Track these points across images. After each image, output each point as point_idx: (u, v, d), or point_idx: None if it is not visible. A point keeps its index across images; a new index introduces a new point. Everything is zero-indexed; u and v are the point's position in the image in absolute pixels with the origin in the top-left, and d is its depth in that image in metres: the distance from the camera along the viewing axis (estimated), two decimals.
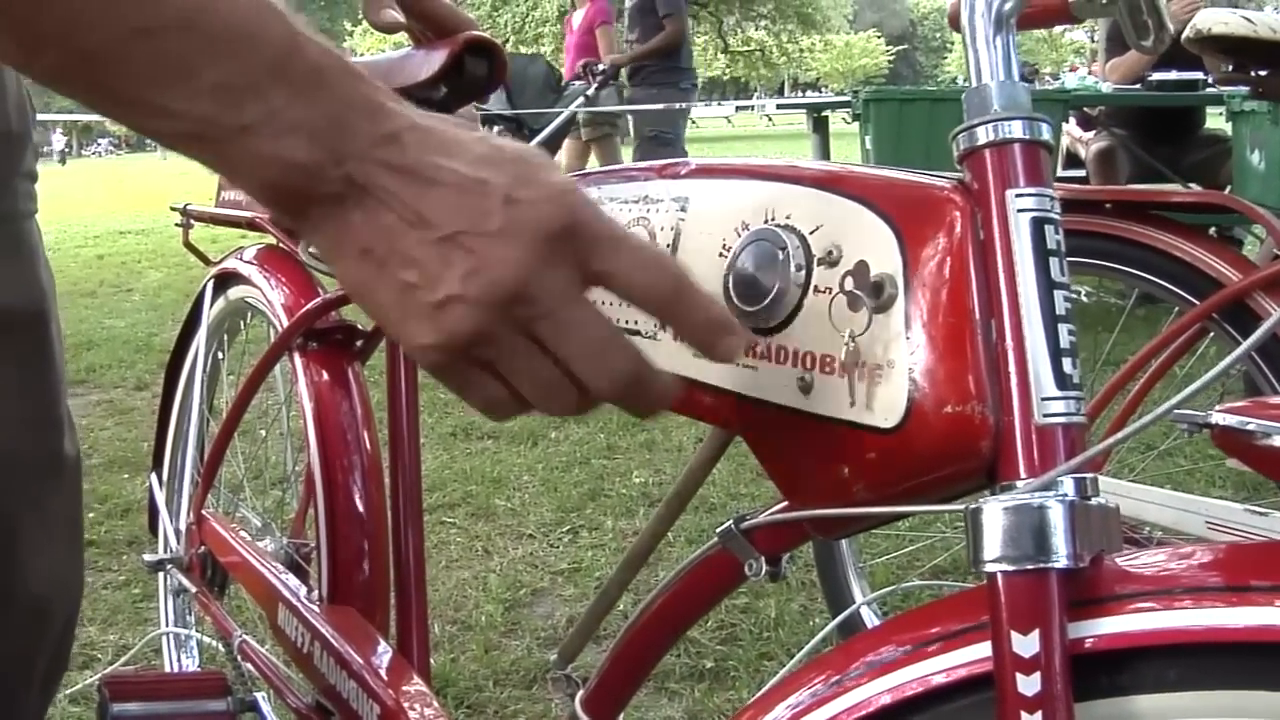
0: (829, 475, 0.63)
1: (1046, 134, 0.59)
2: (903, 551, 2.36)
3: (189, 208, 1.74)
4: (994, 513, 0.54)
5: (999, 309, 0.57)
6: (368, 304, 0.56)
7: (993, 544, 0.54)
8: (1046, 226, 0.58)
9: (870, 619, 1.86)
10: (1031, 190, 0.58)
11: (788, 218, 0.66)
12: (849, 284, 0.61)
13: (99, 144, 56.17)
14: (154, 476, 1.88)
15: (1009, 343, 0.57)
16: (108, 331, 5.69)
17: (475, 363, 0.56)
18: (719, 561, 0.75)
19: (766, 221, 0.67)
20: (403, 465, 1.18)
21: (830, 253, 0.63)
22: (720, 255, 0.69)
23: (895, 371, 0.59)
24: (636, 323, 0.75)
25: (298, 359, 1.35)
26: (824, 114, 6.08)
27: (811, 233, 0.65)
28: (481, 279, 0.52)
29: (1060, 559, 0.53)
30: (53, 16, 0.48)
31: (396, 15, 1.09)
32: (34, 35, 0.49)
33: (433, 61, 1.10)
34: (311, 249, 1.29)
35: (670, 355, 0.71)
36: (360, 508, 1.28)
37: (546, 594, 2.45)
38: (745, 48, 41.66)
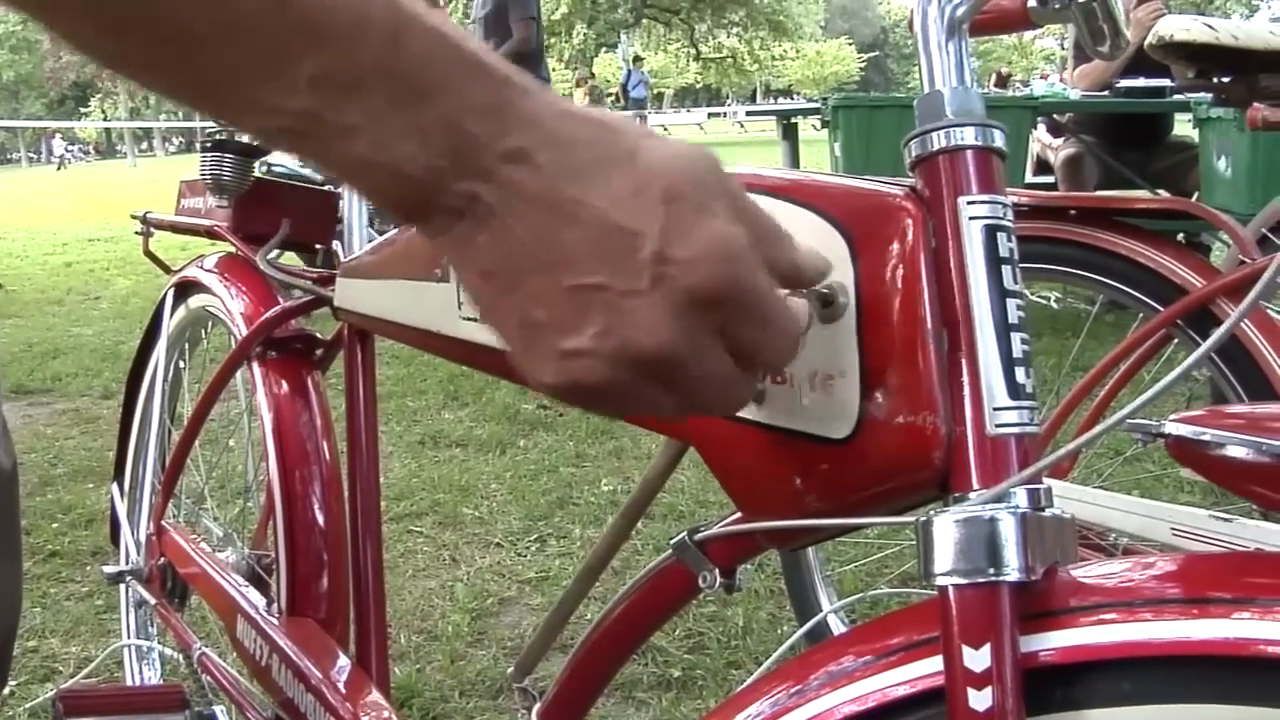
0: (782, 486, 0.62)
1: (999, 141, 0.59)
2: (871, 559, 2.36)
3: (149, 215, 1.72)
4: (945, 525, 0.53)
5: (952, 317, 0.56)
6: (489, 322, 0.50)
7: (944, 557, 0.53)
8: (999, 234, 0.57)
9: (838, 627, 1.86)
10: (984, 197, 0.57)
11: None
12: (800, 293, 0.60)
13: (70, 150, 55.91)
14: (115, 487, 1.86)
15: (962, 352, 0.56)
16: (75, 340, 5.65)
17: (596, 401, 0.51)
18: (673, 574, 0.74)
19: None
20: (361, 475, 1.17)
21: None
22: None
23: (847, 381, 0.58)
24: None
25: (257, 368, 1.34)
26: (794, 121, 6.08)
27: None
28: (617, 340, 0.47)
29: (1012, 571, 0.52)
30: (137, 9, 0.42)
31: None
32: (113, 18, 0.43)
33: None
34: (270, 257, 1.28)
35: None
36: (319, 519, 1.27)
37: (514, 603, 2.43)
38: (717, 55, 41.75)
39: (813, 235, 0.61)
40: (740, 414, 0.64)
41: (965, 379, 0.56)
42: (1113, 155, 4.81)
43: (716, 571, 0.71)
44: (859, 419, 0.58)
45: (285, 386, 1.32)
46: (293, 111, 0.45)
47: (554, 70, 38.62)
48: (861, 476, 0.59)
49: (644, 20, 39.88)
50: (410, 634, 2.28)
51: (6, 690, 2.15)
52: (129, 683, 1.85)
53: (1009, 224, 0.58)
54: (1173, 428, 1.07)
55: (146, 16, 0.43)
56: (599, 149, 0.47)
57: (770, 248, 0.51)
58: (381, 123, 0.45)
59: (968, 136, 0.58)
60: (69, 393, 4.60)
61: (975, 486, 0.55)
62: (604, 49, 38.45)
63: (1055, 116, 5.10)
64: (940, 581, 0.53)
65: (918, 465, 0.57)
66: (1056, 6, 0.69)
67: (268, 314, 1.30)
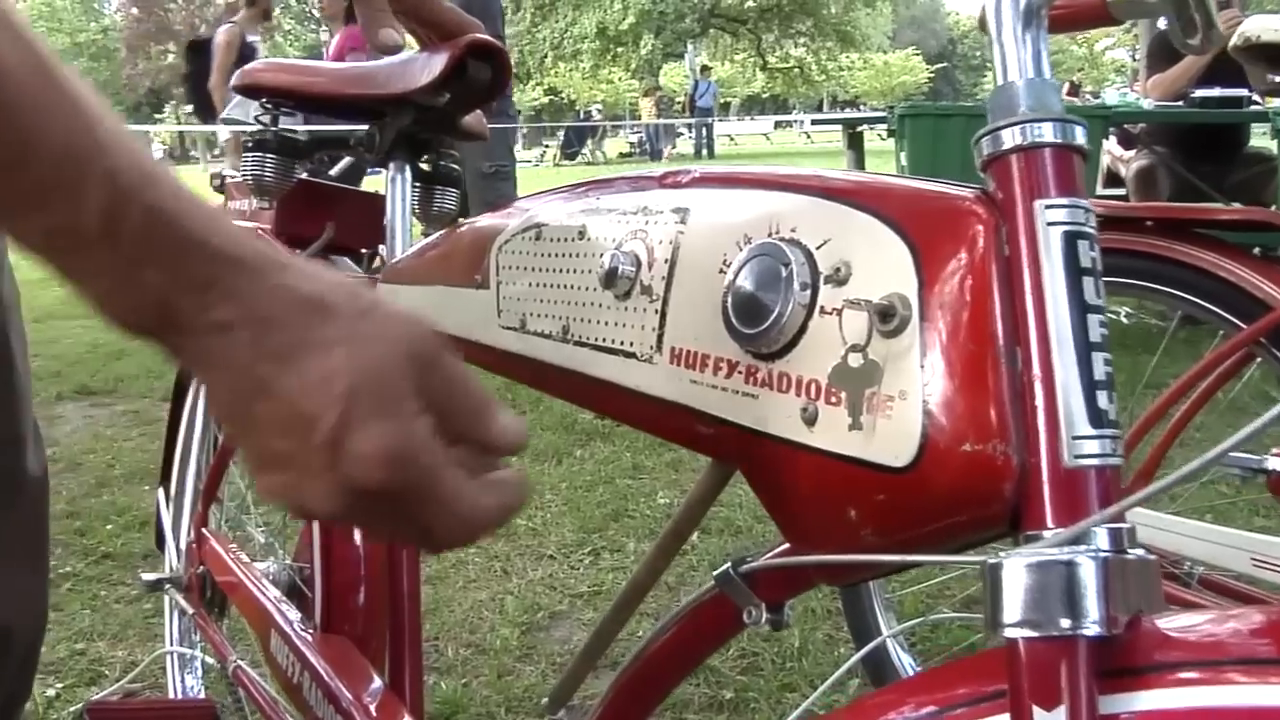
0: (834, 517, 0.56)
1: (1080, 138, 0.53)
2: (933, 581, 2.28)
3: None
4: (1015, 569, 0.47)
5: (1025, 335, 0.51)
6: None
7: (1013, 605, 0.47)
8: (1080, 242, 0.51)
9: (897, 652, 1.79)
10: (1064, 201, 0.51)
11: (793, 231, 0.60)
12: (858, 305, 0.54)
13: None
14: (161, 492, 1.84)
15: (1036, 373, 0.50)
16: (140, 342, 5.68)
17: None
18: (716, 607, 0.68)
19: (770, 235, 0.61)
20: None
21: (838, 270, 0.57)
22: (720, 272, 0.63)
23: (908, 404, 0.52)
24: (631, 344, 0.69)
25: None
26: (859, 130, 6.00)
27: (818, 247, 0.58)
28: (298, 498, 0.52)
29: (1091, 624, 0.46)
30: None
31: (396, 35, 1.04)
32: None
33: (434, 66, 1.05)
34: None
35: (666, 379, 0.65)
36: (358, 532, 1.23)
37: (564, 617, 2.38)
38: (784, 65, 41.60)
39: (873, 242, 0.56)
40: (790, 436, 0.58)
41: (1040, 403, 0.50)
42: (1186, 167, 4.69)
43: (763, 606, 0.65)
44: (920, 446, 0.52)
45: None
46: (36, 246, 0.49)
47: (620, 80, 38.69)
48: (922, 509, 0.53)
49: (711, 30, 39.84)
50: (458, 647, 2.23)
51: (52, 693, 2.15)
52: (170, 690, 1.82)
53: (1091, 230, 0.52)
54: (1276, 463, 0.99)
55: None
56: (299, 333, 0.51)
57: (467, 425, 0.55)
58: (101, 279, 0.49)
59: (1046, 133, 0.52)
60: (130, 394, 4.62)
61: (1050, 525, 0.49)
62: (671, 59, 38.44)
63: (1127, 128, 4.99)
64: (1010, 633, 0.47)
65: (985, 499, 0.51)
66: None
67: None
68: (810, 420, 0.57)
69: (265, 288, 0.51)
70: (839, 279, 0.57)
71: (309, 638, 1.16)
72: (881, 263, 0.55)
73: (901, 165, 4.44)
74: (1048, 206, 0.51)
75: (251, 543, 1.63)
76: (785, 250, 0.59)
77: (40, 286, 6.87)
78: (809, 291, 0.58)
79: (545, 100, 40.03)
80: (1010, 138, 0.53)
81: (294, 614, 1.23)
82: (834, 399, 0.55)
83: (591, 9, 36.23)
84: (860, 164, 5.70)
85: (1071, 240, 0.51)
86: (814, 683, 2.03)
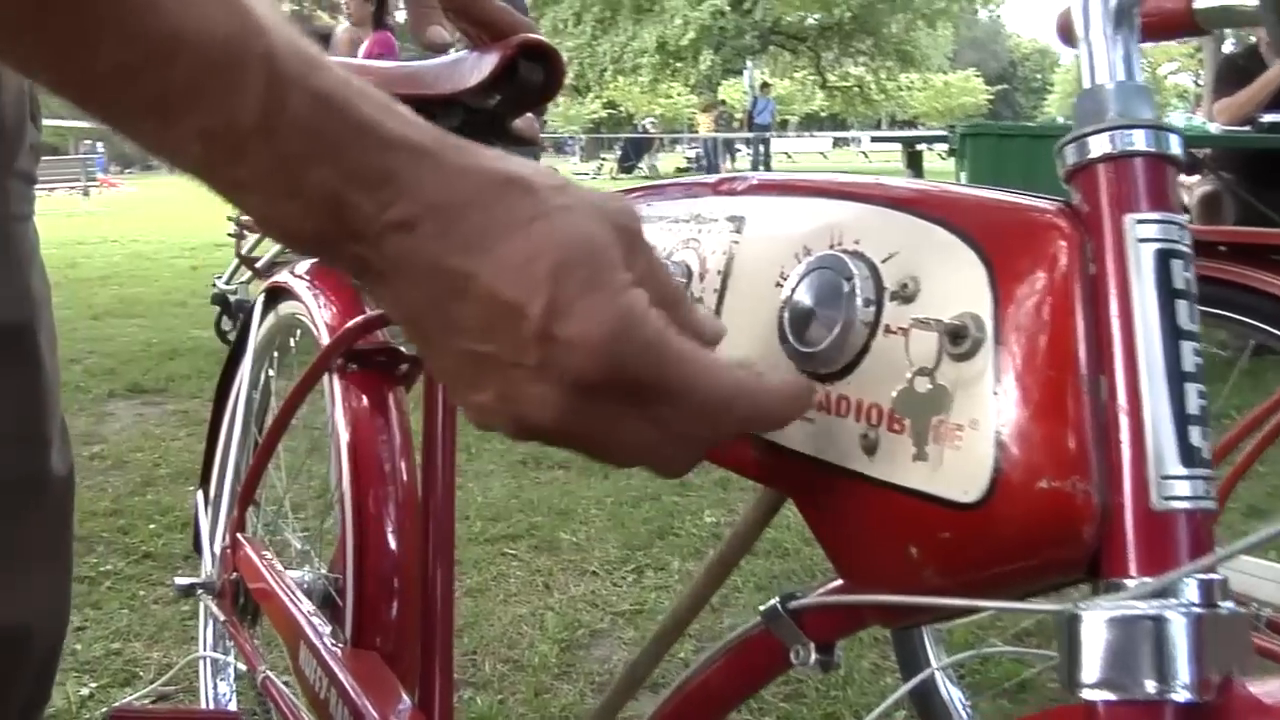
0: (893, 554, 0.52)
1: (1176, 147, 0.48)
2: (984, 612, 2.22)
3: (242, 218, 1.67)
4: (1096, 623, 0.43)
5: (1111, 362, 0.46)
6: (421, 357, 0.50)
7: (1093, 663, 0.43)
8: (1174, 261, 0.46)
9: (946, 685, 1.73)
10: (1156, 215, 0.47)
11: (856, 242, 0.56)
12: (926, 324, 0.50)
13: None
14: (200, 495, 1.82)
15: (1122, 404, 0.45)
16: (193, 342, 5.72)
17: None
18: (760, 645, 0.64)
19: (831, 246, 0.57)
20: (436, 502, 1.09)
21: (905, 285, 0.52)
22: (777, 285, 0.59)
23: (979, 434, 0.48)
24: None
25: (336, 381, 1.26)
26: (919, 149, 5.94)
27: (884, 261, 0.54)
28: (514, 409, 0.47)
29: (1181, 689, 0.41)
30: (24, 56, 0.43)
31: (445, 33, 1.00)
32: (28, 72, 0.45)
33: (484, 66, 1.01)
34: None
35: None
36: (392, 544, 1.19)
37: (605, 636, 2.34)
38: (844, 83, 41.45)
39: (944, 257, 0.51)
40: (848, 465, 0.53)
41: (1126, 438, 0.45)
42: (1252, 194, 4.59)
43: (811, 646, 0.61)
44: (991, 480, 0.47)
45: (365, 401, 1.25)
46: (190, 157, 0.44)
47: (679, 95, 38.70)
48: (991, 550, 0.48)
49: (771, 47, 39.78)
50: (495, 662, 2.20)
51: (85, 692, 2.13)
52: (202, 697, 1.79)
53: (1187, 249, 0.47)
54: None
55: (51, 75, 0.44)
56: (490, 215, 0.46)
57: (670, 314, 0.48)
58: (267, 184, 0.44)
59: (1137, 141, 0.48)
60: (181, 394, 4.63)
61: (1134, 573, 0.44)
62: (730, 75, 38.38)
63: (1192, 152, 4.89)
64: (1089, 695, 0.42)
65: (1062, 541, 0.46)
66: (1234, 7, 0.59)
67: (349, 324, 1.23)
68: (871, 448, 0.52)
69: (447, 173, 0.46)
70: (906, 296, 0.52)
71: (338, 652, 1.12)
72: (953, 279, 0.51)
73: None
74: (1139, 221, 0.47)
75: (289, 550, 1.60)
76: (848, 263, 0.54)
77: (99, 284, 6.97)
78: (873, 308, 0.53)
79: (604, 114, 40.12)
80: (1098, 145, 0.48)
81: (324, 626, 1.20)
82: (897, 426, 0.51)
83: (652, 24, 36.27)
84: None
85: (1164, 259, 0.46)
86: (859, 713, 1.97)
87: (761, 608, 0.62)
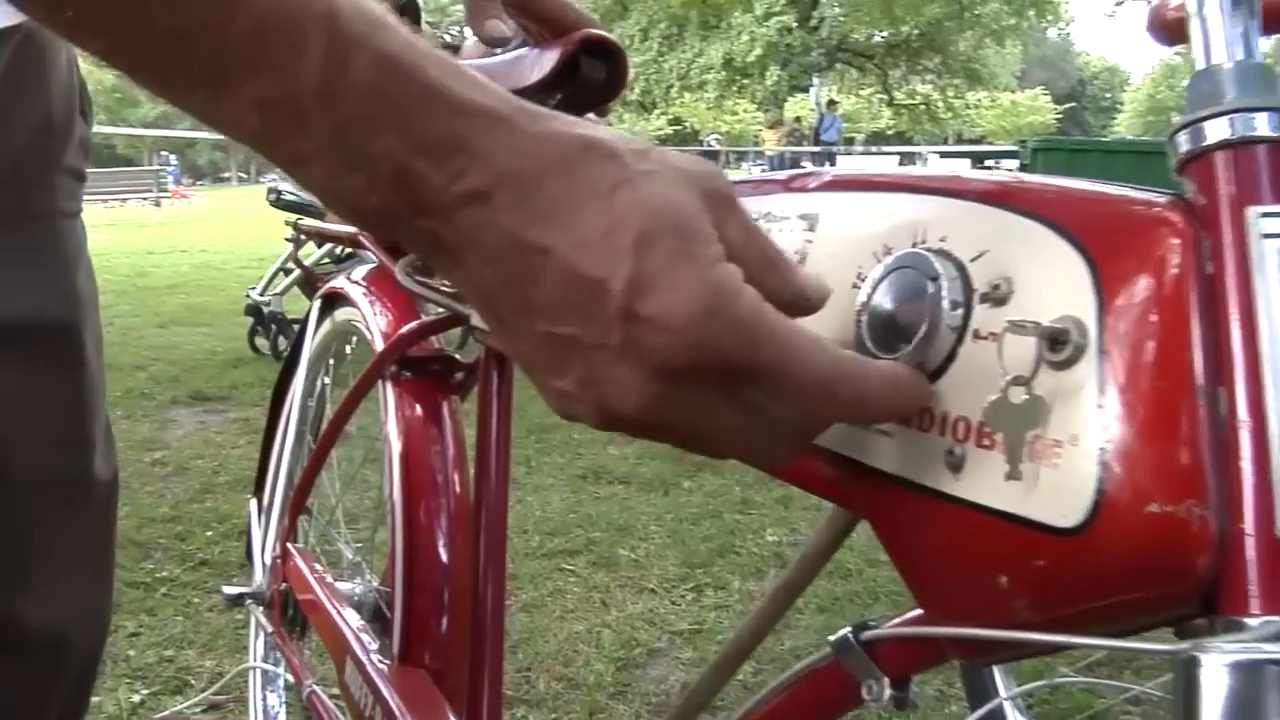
0: (980, 583, 0.47)
1: None
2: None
3: (300, 223, 1.65)
4: (1217, 668, 0.38)
5: (1230, 372, 0.41)
6: (499, 344, 0.49)
7: (1215, 712, 0.37)
8: None
9: (1015, 716, 1.67)
10: None
11: (942, 240, 0.51)
12: (1021, 329, 0.45)
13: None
14: (254, 502, 1.79)
15: (1243, 419, 0.40)
16: (260, 350, 5.74)
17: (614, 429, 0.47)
18: (830, 677, 0.59)
19: (914, 244, 0.52)
20: (488, 516, 1.05)
21: (997, 286, 0.47)
22: (854, 287, 0.54)
23: (1080, 451, 0.43)
24: None
25: (389, 389, 1.23)
26: (987, 165, 5.84)
27: (973, 260, 0.49)
28: (596, 395, 0.43)
29: None
30: (72, 22, 0.41)
31: (504, 27, 0.96)
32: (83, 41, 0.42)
33: (544, 63, 0.97)
34: (408, 272, 1.17)
35: None
36: (443, 558, 1.15)
37: (662, 655, 2.29)
38: (910, 101, 41.19)
39: (1041, 255, 0.46)
40: (931, 483, 0.49)
41: (1248, 457, 0.40)
42: None
43: (886, 681, 0.56)
44: (1094, 503, 0.42)
45: (418, 410, 1.21)
46: (249, 130, 0.42)
47: (745, 111, 38.62)
48: (1092, 581, 0.43)
49: (838, 64, 39.61)
50: (550, 680, 2.16)
51: (137, 698, 2.11)
52: (251, 708, 1.76)
53: None
54: None
55: (106, 46, 0.41)
56: (570, 183, 0.42)
57: (767, 283, 0.45)
58: (329, 156, 0.42)
59: (1260, 125, 0.43)
60: (243, 402, 4.65)
61: (1257, 610, 0.39)
62: (796, 92, 38.25)
63: None
64: None
65: (1173, 573, 0.41)
66: None
67: (402, 331, 1.20)
68: (956, 465, 0.47)
69: (521, 139, 0.42)
70: (998, 298, 0.47)
71: (384, 669, 1.08)
72: (1052, 279, 0.46)
73: None
74: (1263, 215, 0.42)
75: (342, 561, 1.57)
76: (933, 262, 0.49)
77: (166, 293, 7.05)
78: (961, 311, 0.48)
79: (670, 130, 40.14)
80: (1215, 131, 0.43)
81: (371, 641, 1.16)
82: (987, 441, 0.46)
83: (719, 40, 36.26)
84: None
85: None
86: None
87: (832, 638, 0.57)
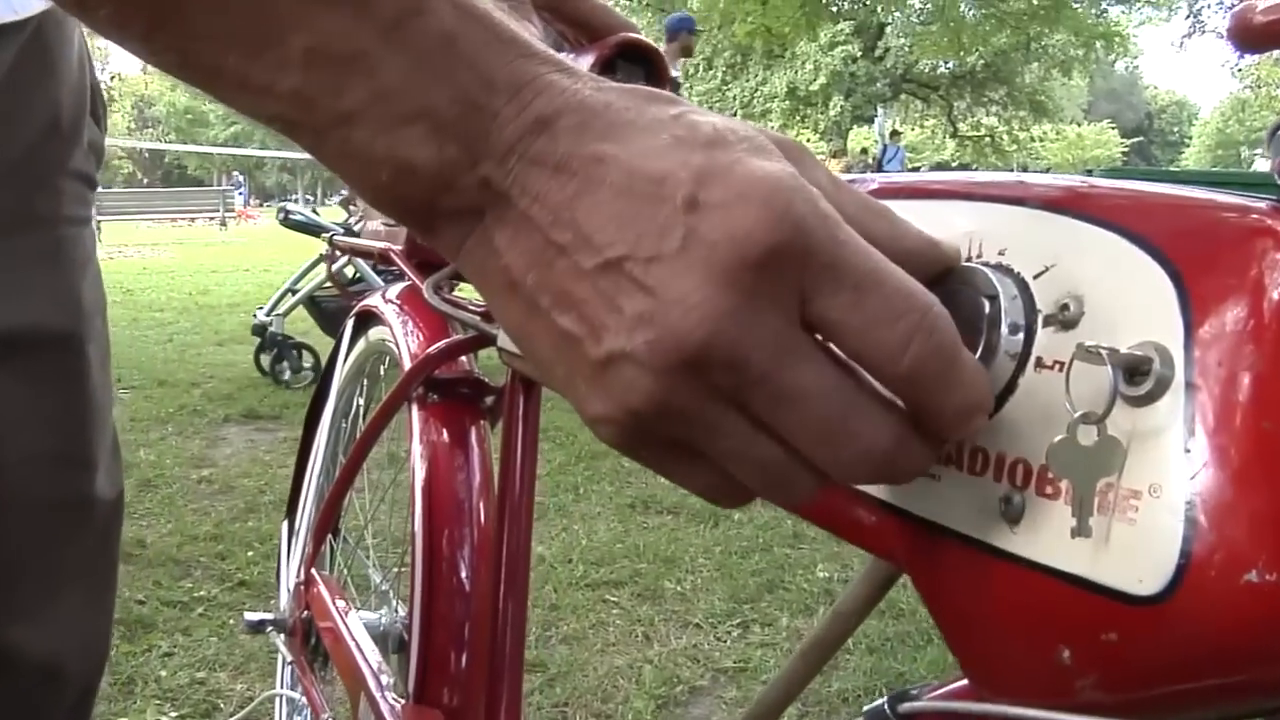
0: (1038, 655, 0.40)
1: None
2: None
3: (335, 238, 1.60)
4: None
5: None
6: (525, 351, 0.41)
7: None
8: None
9: None
10: None
11: (1001, 253, 0.44)
12: (1094, 356, 0.38)
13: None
14: (285, 525, 1.74)
15: None
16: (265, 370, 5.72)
17: (666, 442, 0.39)
18: None
19: (970, 258, 0.45)
20: (510, 545, 0.98)
21: (1065, 307, 0.40)
22: None
23: (1162, 505, 0.36)
24: None
25: (416, 411, 1.17)
26: None
27: (1037, 276, 0.42)
28: (655, 329, 0.35)
29: None
30: None
31: (537, 31, 0.91)
32: None
33: (580, 67, 0.91)
34: (435, 289, 1.12)
35: None
36: (465, 589, 1.09)
37: (705, 694, 2.21)
38: (975, 133, 40.93)
39: (1116, 270, 0.39)
40: (983, 536, 0.42)
41: None
42: None
43: None
44: (1178, 568, 0.35)
45: (445, 435, 1.15)
46: (284, 93, 0.38)
47: (809, 141, 38.57)
48: (1173, 660, 0.36)
49: (902, 95, 39.47)
50: (587, 715, 2.09)
51: None
52: None
53: None
54: None
55: None
56: (637, 112, 0.38)
57: (877, 221, 0.40)
58: (384, 106, 0.38)
59: None
60: (295, 421, 4.62)
61: None
62: (860, 122, 38.12)
63: None
64: None
65: (1272, 655, 0.34)
66: None
67: (429, 350, 1.14)
68: (1014, 517, 0.40)
69: (590, 80, 0.39)
70: (1065, 320, 0.40)
71: (397, 707, 1.02)
72: (1129, 300, 0.39)
73: None
74: None
75: (370, 588, 1.51)
76: (991, 279, 0.42)
77: (227, 311, 7.12)
78: (1022, 335, 0.41)
79: None
80: None
81: (388, 677, 1.10)
82: (1051, 489, 0.39)
83: (783, 69, 36.24)
84: None
85: None
86: None
87: (867, 707, 0.50)
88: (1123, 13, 32.88)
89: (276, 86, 0.38)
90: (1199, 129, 66.10)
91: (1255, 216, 0.37)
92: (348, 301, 5.62)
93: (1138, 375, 0.37)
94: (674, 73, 7.32)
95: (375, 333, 1.46)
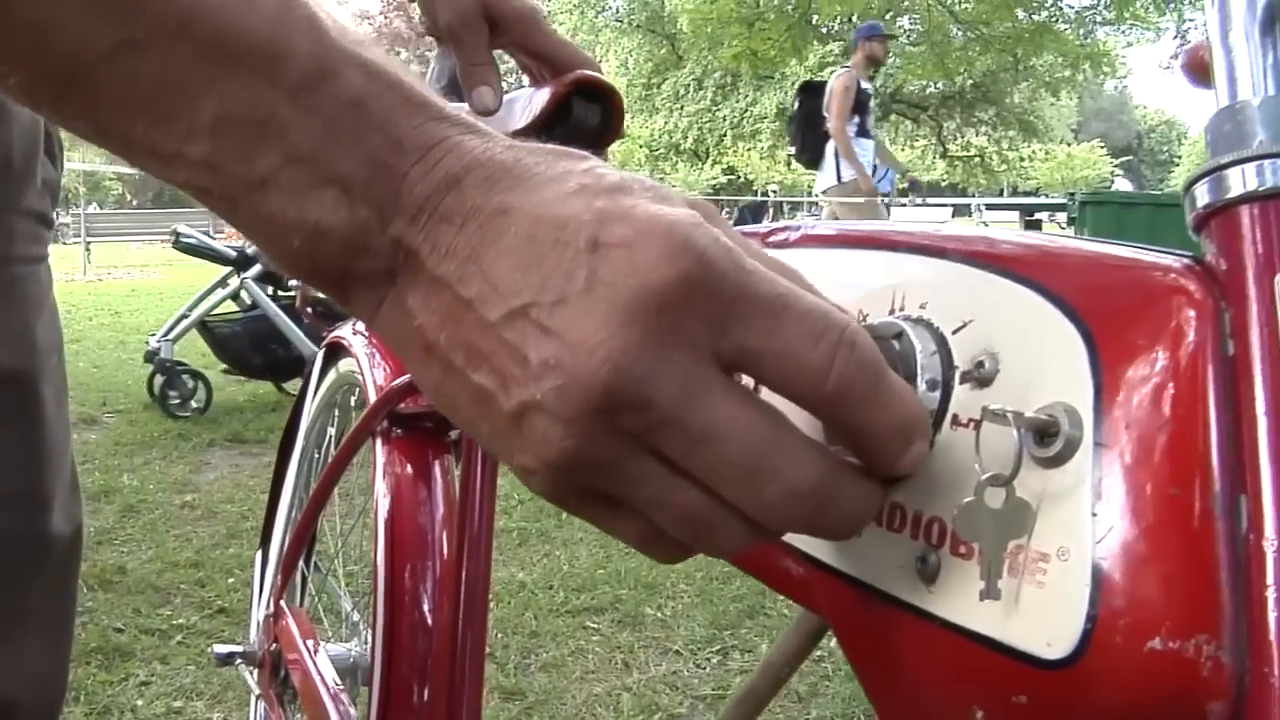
0: (953, 714, 0.39)
1: None
2: None
3: None
4: None
5: (1255, 476, 0.33)
6: (453, 419, 0.40)
7: None
8: None
9: None
10: None
11: (922, 307, 0.44)
12: (1002, 417, 0.37)
13: None
14: (259, 555, 1.74)
15: (1270, 537, 0.33)
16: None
17: (591, 492, 0.38)
18: None
19: (892, 311, 0.45)
20: (471, 575, 0.97)
21: (980, 364, 0.40)
22: None
23: (1070, 569, 0.35)
24: None
25: (380, 446, 1.17)
26: (1037, 217, 5.75)
27: (955, 331, 0.42)
28: (561, 375, 0.35)
29: None
30: (13, 22, 0.35)
31: (493, 95, 0.91)
32: None
33: (535, 105, 0.91)
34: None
35: None
36: (427, 620, 1.09)
37: None
38: (965, 153, 41.00)
39: (1031, 327, 0.39)
40: (899, 594, 0.41)
41: (1273, 583, 0.32)
42: None
43: None
44: (1085, 633, 0.35)
45: (408, 469, 1.15)
46: (195, 160, 0.38)
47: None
48: None
49: (892, 115, 39.58)
50: None
51: None
52: None
53: None
54: None
55: (33, 54, 0.36)
56: (545, 164, 0.38)
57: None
58: (296, 171, 0.37)
59: None
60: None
61: None
62: None
63: None
64: None
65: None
66: None
67: (393, 384, 1.13)
68: (930, 576, 0.40)
69: (499, 140, 0.40)
70: (981, 377, 0.40)
71: None
72: (1042, 357, 0.38)
73: None
74: None
75: (343, 621, 1.51)
76: (910, 334, 0.42)
77: None
78: (938, 392, 0.41)
79: (724, 179, 40.17)
80: (1239, 181, 0.36)
81: (352, 710, 1.10)
82: (964, 549, 0.39)
83: (772, 89, 36.31)
84: None
85: None
86: None
87: None
88: (1109, 34, 33.00)
89: (187, 153, 0.37)
90: (1188, 148, 66.30)
91: (1170, 275, 0.37)
92: (239, 327, 5.44)
93: (1047, 437, 0.36)
94: (863, 84, 7.15)
95: (345, 364, 1.46)
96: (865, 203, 6.42)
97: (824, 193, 7.07)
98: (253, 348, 5.44)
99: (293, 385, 5.39)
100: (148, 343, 5.41)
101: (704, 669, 2.45)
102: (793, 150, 7.88)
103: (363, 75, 0.38)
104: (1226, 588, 0.33)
